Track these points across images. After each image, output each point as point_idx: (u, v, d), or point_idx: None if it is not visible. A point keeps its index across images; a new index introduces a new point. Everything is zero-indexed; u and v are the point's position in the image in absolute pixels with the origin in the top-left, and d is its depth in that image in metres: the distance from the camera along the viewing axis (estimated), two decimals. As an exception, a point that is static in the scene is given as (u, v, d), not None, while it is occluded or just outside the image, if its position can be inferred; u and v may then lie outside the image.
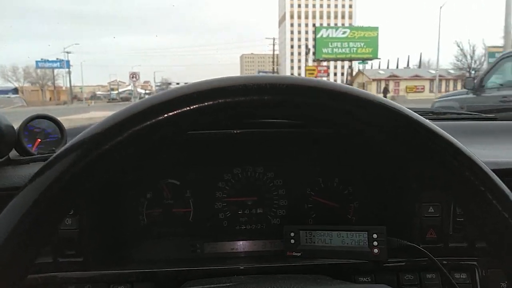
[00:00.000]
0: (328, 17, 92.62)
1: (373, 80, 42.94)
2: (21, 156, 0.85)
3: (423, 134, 0.35)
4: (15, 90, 49.20)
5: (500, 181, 0.35)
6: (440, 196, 0.77)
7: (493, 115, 1.33)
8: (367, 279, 0.77)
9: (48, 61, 45.95)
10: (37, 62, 46.57)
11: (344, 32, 37.39)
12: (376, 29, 37.43)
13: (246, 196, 0.92)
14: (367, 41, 36.58)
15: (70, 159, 0.32)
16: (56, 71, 49.40)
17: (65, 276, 0.74)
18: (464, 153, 0.35)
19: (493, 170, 0.35)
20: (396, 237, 0.76)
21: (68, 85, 48.45)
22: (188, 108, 0.33)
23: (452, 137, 0.36)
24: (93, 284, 0.74)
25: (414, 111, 0.36)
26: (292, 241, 0.80)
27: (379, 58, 39.12)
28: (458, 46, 37.77)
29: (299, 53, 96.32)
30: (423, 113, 1.35)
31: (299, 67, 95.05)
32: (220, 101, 0.34)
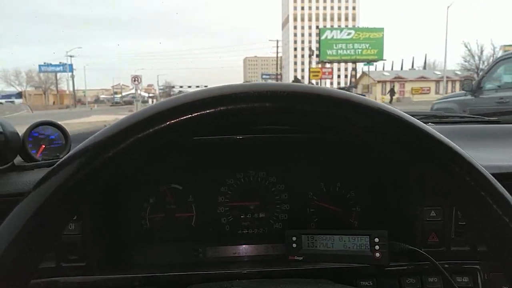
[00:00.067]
0: (332, 19, 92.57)
1: (378, 81, 42.55)
2: (25, 162, 0.86)
3: (422, 140, 0.35)
4: (19, 95, 49.41)
5: (500, 186, 0.35)
6: (442, 200, 0.77)
7: (496, 118, 1.33)
8: (369, 283, 0.77)
9: (51, 65, 45.97)
10: (40, 66, 46.58)
11: (349, 34, 37.07)
12: (381, 30, 37.02)
13: (249, 200, 0.93)
14: (372, 42, 36.19)
15: (74, 166, 0.33)
16: (59, 75, 49.57)
17: (68, 280, 0.74)
18: (464, 158, 0.35)
19: (495, 174, 0.35)
20: (398, 241, 0.76)
21: (72, 89, 48.71)
22: (191, 115, 0.34)
23: (451, 142, 0.36)
24: None
25: (416, 115, 0.36)
26: (294, 245, 0.80)
27: (385, 60, 38.76)
28: (466, 47, 37.22)
29: (303, 56, 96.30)
30: (426, 116, 1.35)
31: (303, 70, 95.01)
32: (222, 108, 0.34)
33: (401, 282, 0.77)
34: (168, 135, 0.34)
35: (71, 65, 45.07)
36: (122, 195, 0.88)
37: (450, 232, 0.78)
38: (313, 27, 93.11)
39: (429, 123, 1.17)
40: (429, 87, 41.84)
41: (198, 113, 0.34)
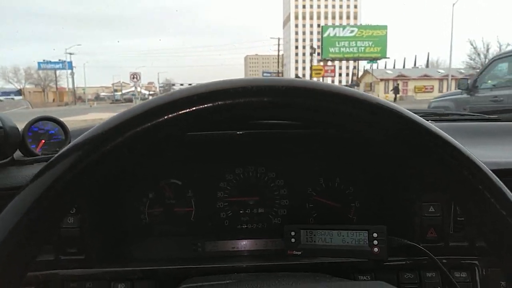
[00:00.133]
0: (333, 18, 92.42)
1: (381, 80, 42.21)
2: (25, 157, 0.86)
3: (422, 135, 0.35)
4: (18, 92, 49.20)
5: (498, 180, 0.35)
6: (440, 195, 0.78)
7: (496, 116, 1.33)
8: (367, 278, 0.77)
9: (50, 62, 45.89)
10: (39, 63, 46.56)
11: (351, 31, 36.75)
12: (385, 27, 36.63)
13: (248, 196, 0.93)
14: (376, 40, 35.87)
15: (72, 159, 0.33)
16: (58, 72, 49.44)
17: (67, 273, 0.75)
18: (462, 152, 0.35)
19: (494, 170, 0.35)
20: (397, 236, 0.77)
21: (71, 87, 48.61)
22: (189, 110, 0.34)
23: (450, 137, 0.36)
24: (94, 281, 0.75)
25: (417, 113, 0.36)
26: (293, 240, 0.81)
27: (388, 58, 38.35)
28: (472, 45, 36.56)
29: (304, 54, 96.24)
30: (426, 114, 1.35)
31: (304, 68, 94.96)
32: (219, 103, 0.34)
33: (399, 277, 0.77)
34: (166, 129, 0.34)
35: (70, 63, 44.96)
36: (121, 189, 0.88)
37: (448, 228, 0.79)
38: (315, 25, 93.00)
39: (429, 121, 1.16)
40: (432, 86, 41.52)
41: (196, 107, 0.34)
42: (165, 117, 0.33)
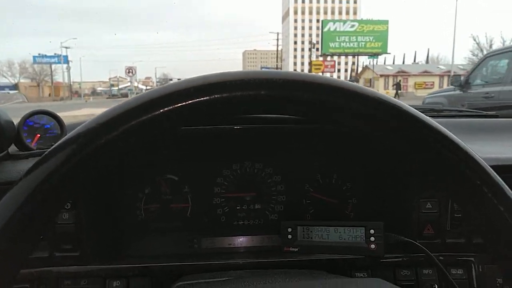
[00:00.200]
0: (332, 13, 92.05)
1: (381, 76, 41.77)
2: (20, 151, 0.85)
3: (420, 129, 0.35)
4: (13, 87, 48.59)
5: (497, 175, 0.35)
6: (438, 192, 0.77)
7: (494, 113, 1.32)
8: (363, 275, 0.77)
9: (46, 56, 45.22)
10: (34, 57, 45.88)
11: (352, 26, 36.22)
12: (386, 22, 36.16)
13: (245, 191, 0.93)
14: (377, 35, 35.40)
15: (66, 152, 0.32)
16: (54, 66, 48.92)
17: (61, 270, 0.74)
18: (460, 146, 0.35)
19: (493, 166, 0.35)
20: (394, 233, 0.76)
21: (67, 81, 48.22)
22: (185, 102, 0.33)
23: (448, 131, 0.36)
24: (89, 278, 0.74)
25: (416, 109, 0.36)
26: (290, 236, 0.80)
27: (389, 53, 38.00)
28: (474, 40, 36.30)
29: (303, 49, 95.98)
30: (424, 110, 1.34)
31: (302, 63, 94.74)
32: (216, 96, 0.34)
33: (396, 273, 0.77)
34: (162, 122, 0.33)
35: (66, 57, 44.40)
36: (117, 185, 0.87)
37: (445, 224, 0.78)
38: (314, 21, 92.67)
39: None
40: (433, 82, 41.25)
41: (192, 100, 0.33)
42: (161, 110, 0.33)
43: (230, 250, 0.88)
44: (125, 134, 0.33)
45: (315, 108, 0.35)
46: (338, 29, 36.01)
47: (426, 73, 42.96)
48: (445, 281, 0.75)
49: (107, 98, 44.46)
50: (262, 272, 0.69)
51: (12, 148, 0.85)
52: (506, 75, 5.42)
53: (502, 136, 1.07)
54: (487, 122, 1.20)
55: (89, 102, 31.66)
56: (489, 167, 0.35)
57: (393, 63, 51.22)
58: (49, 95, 49.88)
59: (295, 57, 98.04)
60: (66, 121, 0.95)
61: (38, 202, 0.31)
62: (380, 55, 37.72)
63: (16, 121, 0.85)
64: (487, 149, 0.90)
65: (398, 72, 42.51)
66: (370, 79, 39.76)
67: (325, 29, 36.01)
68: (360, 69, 45.32)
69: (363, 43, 35.83)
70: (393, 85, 33.86)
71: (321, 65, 36.36)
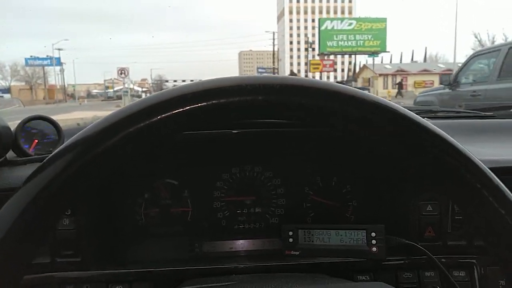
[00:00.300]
0: (328, 12, 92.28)
1: (380, 75, 41.06)
2: (18, 157, 0.85)
3: (418, 133, 0.35)
4: (6, 90, 47.82)
5: (496, 178, 0.34)
6: (438, 194, 0.77)
7: (492, 113, 1.33)
8: (365, 278, 0.77)
9: (38, 58, 44.67)
10: (26, 59, 45.33)
11: (350, 24, 35.66)
12: (384, 20, 35.59)
13: (245, 195, 0.92)
14: (375, 33, 34.81)
15: (65, 160, 0.33)
16: (47, 69, 48.21)
17: (63, 276, 0.74)
18: (459, 150, 0.35)
19: (492, 169, 0.35)
20: (395, 236, 0.76)
21: (61, 84, 47.72)
22: (182, 109, 0.33)
23: (447, 135, 0.35)
24: (91, 284, 0.74)
25: (412, 111, 0.36)
26: (291, 240, 0.80)
27: (388, 51, 37.45)
28: (476, 38, 35.35)
29: (299, 49, 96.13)
30: (422, 112, 1.34)
31: (299, 63, 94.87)
32: (213, 102, 0.34)
33: (398, 276, 0.77)
34: (160, 128, 0.34)
35: (58, 59, 43.81)
36: (117, 190, 0.87)
37: (446, 226, 0.78)
38: (309, 20, 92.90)
39: (425, 118, 1.16)
40: (433, 81, 40.72)
41: (190, 106, 0.33)
42: (159, 116, 0.33)
43: (231, 254, 0.87)
44: (123, 141, 0.33)
45: (312, 113, 0.35)
46: (335, 28, 35.41)
47: (425, 71, 42.61)
48: (447, 283, 0.75)
49: (103, 100, 44.05)
50: (264, 276, 0.68)
51: (10, 154, 0.84)
52: (492, 74, 5.54)
53: (500, 137, 1.07)
54: (485, 123, 1.21)
55: (83, 105, 31.40)
56: (489, 170, 0.35)
57: (391, 62, 51.12)
58: (43, 98, 49.35)
59: (291, 57, 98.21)
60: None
61: (39, 209, 0.32)
62: (379, 53, 37.15)
63: (12, 126, 0.85)
64: (485, 150, 0.90)
65: (397, 71, 42.06)
66: (369, 78, 39.28)
67: (322, 28, 35.42)
68: (357, 69, 45.10)
69: (361, 41, 35.28)
70: (394, 85, 33.47)
71: (319, 64, 35.84)
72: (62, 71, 44.85)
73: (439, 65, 43.85)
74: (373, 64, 39.00)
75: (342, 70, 78.45)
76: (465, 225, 0.78)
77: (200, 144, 0.86)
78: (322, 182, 0.93)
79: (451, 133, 0.36)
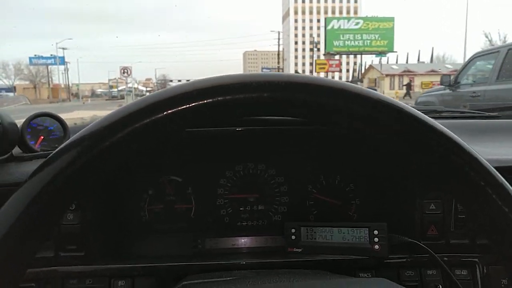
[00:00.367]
0: (333, 12, 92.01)
1: (386, 75, 40.09)
2: (24, 153, 0.86)
3: (423, 131, 0.35)
4: (10, 89, 47.75)
5: (501, 177, 0.35)
6: (441, 193, 0.77)
7: (496, 114, 1.32)
8: (367, 275, 0.77)
9: (42, 57, 44.45)
10: (30, 58, 45.08)
11: (357, 23, 34.82)
12: (391, 19, 34.75)
13: (248, 193, 0.93)
14: (382, 33, 33.92)
15: (71, 155, 0.33)
16: (51, 67, 48.11)
17: (67, 270, 0.75)
18: (464, 148, 0.35)
19: (496, 168, 0.35)
20: (397, 234, 0.76)
21: (66, 83, 47.77)
22: (188, 105, 0.34)
23: (452, 133, 0.36)
24: (94, 278, 0.74)
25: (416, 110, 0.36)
26: (293, 237, 0.80)
27: (396, 51, 36.60)
28: (486, 37, 34.49)
29: (304, 49, 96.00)
30: (426, 111, 1.34)
31: (304, 64, 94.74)
32: (219, 98, 0.34)
33: (400, 274, 0.77)
34: (165, 125, 0.34)
35: (62, 58, 43.61)
36: (121, 186, 0.88)
37: (449, 225, 0.78)
38: (314, 20, 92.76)
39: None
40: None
41: (196, 103, 0.34)
42: (164, 112, 0.33)
43: (234, 251, 0.88)
44: (129, 137, 0.33)
45: (318, 110, 0.35)
46: (342, 27, 34.60)
47: (432, 72, 41.93)
48: (450, 281, 0.75)
49: (107, 99, 43.94)
50: (267, 272, 0.69)
51: (16, 150, 0.85)
52: (491, 75, 5.56)
53: (505, 137, 1.07)
54: (489, 123, 1.20)
55: (86, 104, 31.38)
56: (493, 169, 0.35)
57: (397, 62, 50.63)
58: (48, 97, 49.47)
59: (296, 57, 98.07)
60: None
61: (43, 203, 0.32)
62: (386, 53, 36.44)
63: (19, 123, 0.86)
64: (490, 150, 0.90)
65: (404, 71, 41.35)
66: (375, 79, 38.70)
67: (329, 27, 34.66)
68: (363, 69, 44.64)
69: (368, 41, 34.44)
70: (402, 86, 32.75)
71: (325, 64, 35.11)
72: (66, 70, 44.94)
73: (447, 65, 43.26)
74: (380, 64, 38.33)
75: (347, 70, 78.14)
76: (469, 224, 0.78)
77: (204, 141, 0.86)
78: (325, 180, 0.93)
79: (456, 133, 0.36)
